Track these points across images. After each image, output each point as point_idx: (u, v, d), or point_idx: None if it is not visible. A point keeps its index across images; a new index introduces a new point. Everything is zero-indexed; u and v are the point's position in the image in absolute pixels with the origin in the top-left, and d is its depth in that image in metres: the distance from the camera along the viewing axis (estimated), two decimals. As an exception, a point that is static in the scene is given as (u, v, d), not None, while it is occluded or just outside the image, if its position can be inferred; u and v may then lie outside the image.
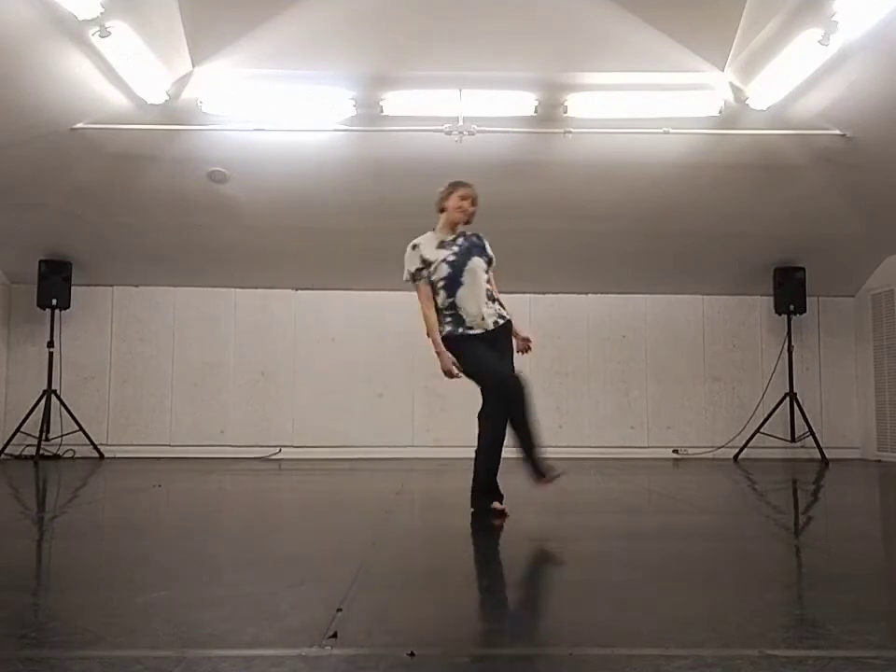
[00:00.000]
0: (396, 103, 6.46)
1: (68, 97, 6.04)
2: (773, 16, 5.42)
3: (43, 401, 8.09)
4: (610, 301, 8.74)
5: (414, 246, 4.24)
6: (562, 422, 8.44)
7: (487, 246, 4.33)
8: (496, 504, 4.05)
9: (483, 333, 4.16)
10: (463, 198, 4.24)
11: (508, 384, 4.06)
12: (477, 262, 4.21)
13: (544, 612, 2.20)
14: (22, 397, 8.22)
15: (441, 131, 6.44)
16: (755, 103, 6.29)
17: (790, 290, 8.34)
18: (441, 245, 4.23)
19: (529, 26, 5.88)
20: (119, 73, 5.85)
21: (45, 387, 8.12)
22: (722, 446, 8.47)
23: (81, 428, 8.11)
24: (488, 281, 4.26)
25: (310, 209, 7.50)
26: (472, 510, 4.06)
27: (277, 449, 8.40)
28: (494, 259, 4.32)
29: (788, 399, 8.30)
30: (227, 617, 2.11)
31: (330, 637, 1.89)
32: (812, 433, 8.15)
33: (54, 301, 8.12)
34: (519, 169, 7.09)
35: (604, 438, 8.57)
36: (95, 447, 8.16)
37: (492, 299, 4.25)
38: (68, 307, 8.23)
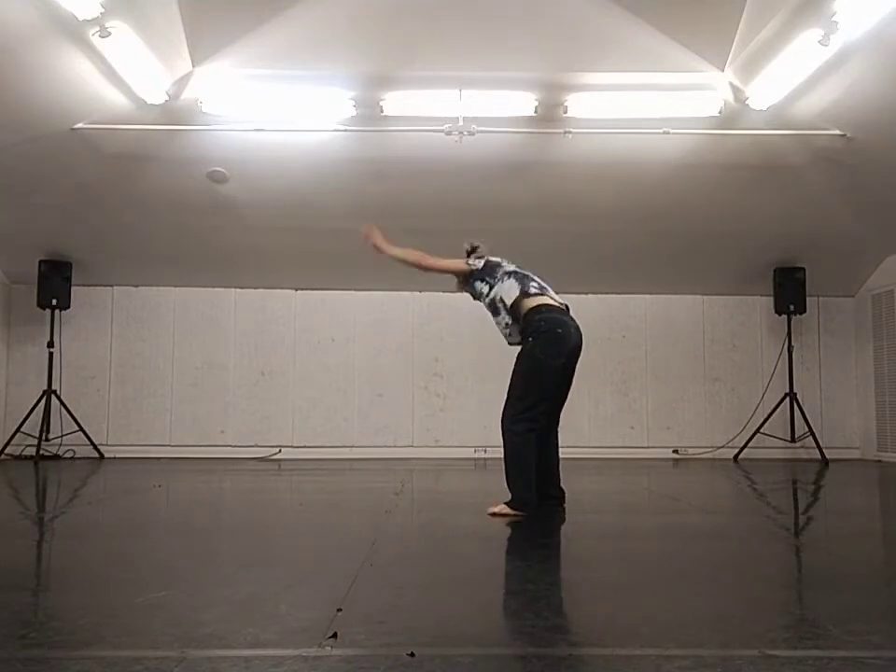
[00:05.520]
0: (396, 103, 6.45)
1: (68, 97, 6.04)
2: (773, 16, 5.42)
3: (43, 401, 8.09)
4: (610, 301, 8.73)
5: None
6: (562, 422, 8.40)
7: None
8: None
9: None
10: None
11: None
12: None
13: (543, 612, 2.20)
14: (22, 397, 8.23)
15: (441, 131, 6.43)
16: (755, 103, 6.29)
17: (790, 290, 8.34)
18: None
19: (529, 26, 5.88)
20: (119, 73, 5.84)
21: (45, 387, 8.12)
22: (722, 446, 8.47)
23: (81, 429, 8.11)
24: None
25: (310, 209, 7.50)
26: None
27: (277, 449, 8.40)
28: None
29: (788, 399, 8.29)
30: (227, 617, 2.11)
31: (330, 637, 1.88)
32: (812, 433, 8.15)
33: (54, 301, 8.12)
34: (519, 169, 7.09)
35: (604, 438, 8.57)
36: (95, 447, 8.16)
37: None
38: (68, 307, 8.23)
